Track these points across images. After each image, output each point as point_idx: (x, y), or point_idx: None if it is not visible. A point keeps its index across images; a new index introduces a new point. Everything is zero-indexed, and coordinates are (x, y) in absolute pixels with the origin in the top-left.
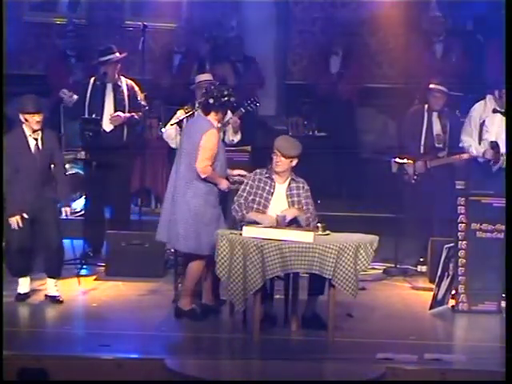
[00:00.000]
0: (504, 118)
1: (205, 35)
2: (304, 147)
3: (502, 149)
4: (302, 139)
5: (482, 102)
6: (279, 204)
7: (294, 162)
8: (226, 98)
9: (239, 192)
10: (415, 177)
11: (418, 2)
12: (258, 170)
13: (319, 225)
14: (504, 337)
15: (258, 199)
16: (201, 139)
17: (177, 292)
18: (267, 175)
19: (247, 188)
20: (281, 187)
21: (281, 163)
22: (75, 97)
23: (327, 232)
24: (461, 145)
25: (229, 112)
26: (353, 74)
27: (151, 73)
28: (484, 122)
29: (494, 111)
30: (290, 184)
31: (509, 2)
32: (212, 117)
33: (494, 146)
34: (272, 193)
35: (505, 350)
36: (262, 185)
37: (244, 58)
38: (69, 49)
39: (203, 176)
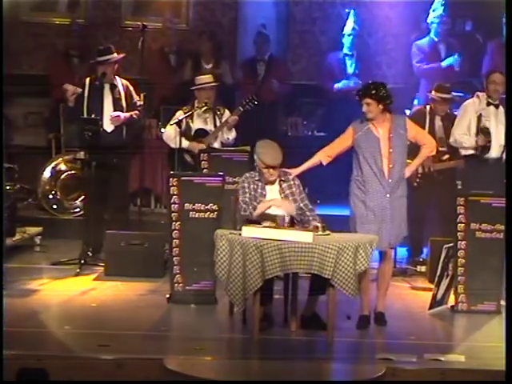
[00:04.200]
0: (498, 110)
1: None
2: (303, 147)
3: (494, 138)
4: (302, 139)
5: (473, 98)
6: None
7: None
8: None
9: (241, 194)
10: (417, 179)
11: (419, 2)
12: (247, 174)
13: (319, 225)
14: (504, 337)
15: (254, 203)
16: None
17: (173, 292)
18: (257, 178)
19: (246, 190)
20: (273, 188)
21: (273, 173)
22: (79, 90)
23: (327, 232)
24: (451, 139)
25: (226, 111)
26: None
27: (151, 72)
28: (481, 114)
29: (488, 104)
30: (281, 185)
31: (509, 2)
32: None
33: (486, 132)
34: (265, 195)
35: (505, 349)
36: (253, 186)
37: (269, 57)
38: (69, 49)
39: None
